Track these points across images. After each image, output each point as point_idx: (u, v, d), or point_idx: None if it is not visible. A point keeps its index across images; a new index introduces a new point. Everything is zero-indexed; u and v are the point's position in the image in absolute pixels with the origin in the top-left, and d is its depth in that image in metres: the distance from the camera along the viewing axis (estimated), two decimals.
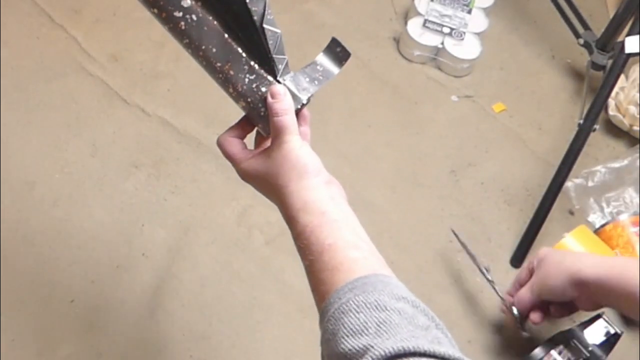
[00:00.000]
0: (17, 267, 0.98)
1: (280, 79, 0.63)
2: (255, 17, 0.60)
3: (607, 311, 1.02)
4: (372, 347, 0.45)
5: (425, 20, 1.32)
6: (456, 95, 1.30)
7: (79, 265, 0.99)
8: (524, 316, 0.91)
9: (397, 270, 0.59)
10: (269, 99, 0.62)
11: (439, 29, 1.32)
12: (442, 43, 1.30)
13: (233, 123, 0.68)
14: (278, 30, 0.61)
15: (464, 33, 1.32)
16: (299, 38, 1.30)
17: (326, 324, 0.51)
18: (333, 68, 0.66)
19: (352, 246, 0.56)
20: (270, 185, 0.62)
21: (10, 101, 1.14)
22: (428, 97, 1.28)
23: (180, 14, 0.61)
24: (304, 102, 0.64)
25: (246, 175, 0.65)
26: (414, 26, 1.33)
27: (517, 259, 1.09)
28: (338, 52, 0.66)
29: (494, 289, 0.96)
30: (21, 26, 1.24)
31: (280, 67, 0.63)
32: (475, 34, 1.33)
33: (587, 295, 0.81)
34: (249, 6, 0.59)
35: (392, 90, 1.28)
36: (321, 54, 0.67)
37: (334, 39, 0.67)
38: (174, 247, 1.03)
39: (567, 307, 0.87)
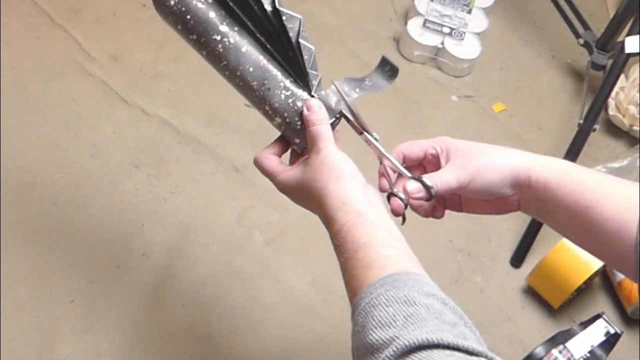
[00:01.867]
0: (17, 266, 0.98)
1: (315, 94, 0.66)
2: (291, 34, 0.64)
3: (607, 311, 1.02)
4: (398, 337, 0.47)
5: (425, 20, 1.32)
6: (456, 95, 1.30)
7: (79, 265, 0.99)
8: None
9: None
10: (305, 111, 0.65)
11: (439, 29, 1.32)
12: (442, 43, 1.30)
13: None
14: (312, 47, 0.64)
15: (464, 33, 1.32)
16: None
17: (357, 317, 0.52)
18: (383, 84, 0.68)
19: (386, 245, 0.57)
20: (308, 190, 0.63)
21: (10, 101, 1.14)
22: (428, 97, 1.28)
23: (219, 37, 0.64)
24: (338, 115, 0.67)
25: (284, 187, 0.67)
26: (414, 26, 1.33)
27: (517, 259, 1.09)
28: (387, 70, 0.69)
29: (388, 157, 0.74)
30: (21, 26, 1.24)
31: (314, 82, 0.66)
32: (475, 34, 1.33)
33: (521, 198, 0.65)
34: (285, 23, 0.63)
35: (392, 90, 1.26)
36: (373, 72, 0.69)
37: (384, 58, 0.69)
38: (174, 247, 1.03)
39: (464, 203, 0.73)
